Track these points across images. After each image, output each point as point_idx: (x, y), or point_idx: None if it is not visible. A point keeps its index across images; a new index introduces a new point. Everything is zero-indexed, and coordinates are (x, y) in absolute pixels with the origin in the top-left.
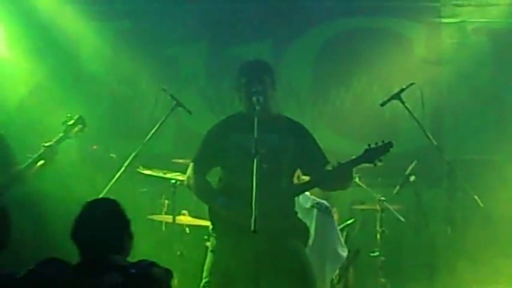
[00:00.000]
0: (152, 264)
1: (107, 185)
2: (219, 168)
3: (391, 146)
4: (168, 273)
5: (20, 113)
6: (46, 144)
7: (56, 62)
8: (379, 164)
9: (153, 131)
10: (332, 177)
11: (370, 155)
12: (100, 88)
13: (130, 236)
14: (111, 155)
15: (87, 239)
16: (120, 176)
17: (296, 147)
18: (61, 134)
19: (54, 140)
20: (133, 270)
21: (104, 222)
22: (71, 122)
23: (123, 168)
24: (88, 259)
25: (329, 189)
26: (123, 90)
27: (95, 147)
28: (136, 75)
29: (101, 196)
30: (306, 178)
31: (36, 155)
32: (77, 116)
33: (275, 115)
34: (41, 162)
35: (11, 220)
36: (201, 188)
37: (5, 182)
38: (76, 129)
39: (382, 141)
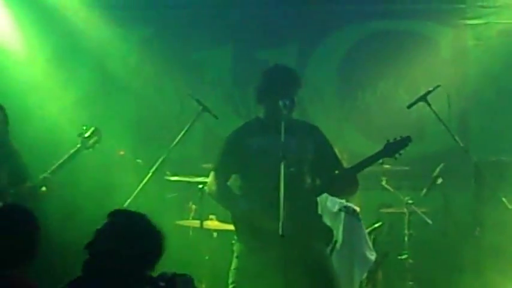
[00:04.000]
0: (175, 275)
1: (134, 190)
2: (238, 175)
3: (410, 141)
4: (190, 281)
5: (43, 120)
6: (43, 176)
7: (82, 68)
8: (397, 156)
9: (180, 136)
10: (341, 180)
11: (390, 149)
12: (126, 94)
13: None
14: (138, 160)
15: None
16: (147, 182)
17: (315, 151)
18: (77, 146)
19: (60, 161)
20: (162, 284)
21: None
22: (87, 134)
23: (150, 174)
24: (122, 273)
25: (337, 193)
26: (149, 96)
27: (121, 152)
28: (162, 80)
29: (129, 202)
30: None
31: (37, 182)
32: (93, 128)
33: (294, 119)
34: (43, 188)
35: (40, 230)
36: (223, 195)
37: (18, 199)
38: (92, 140)
39: (401, 136)
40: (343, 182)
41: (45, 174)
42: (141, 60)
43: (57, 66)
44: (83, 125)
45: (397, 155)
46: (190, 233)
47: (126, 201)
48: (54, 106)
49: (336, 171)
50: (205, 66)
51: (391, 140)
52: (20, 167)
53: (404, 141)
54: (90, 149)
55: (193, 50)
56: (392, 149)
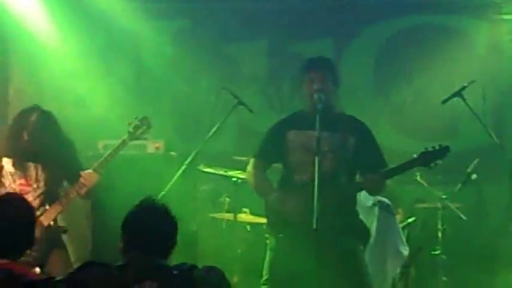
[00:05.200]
0: (193, 267)
1: (167, 183)
2: (281, 166)
3: (448, 151)
4: (213, 272)
5: (79, 114)
6: (92, 169)
7: (116, 60)
8: (433, 165)
9: (214, 129)
10: (370, 183)
11: (426, 158)
12: (160, 87)
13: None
14: (172, 153)
15: (140, 239)
16: (181, 174)
17: (356, 147)
18: (124, 138)
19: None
20: (175, 272)
21: (160, 224)
22: (136, 123)
23: (184, 167)
24: (133, 260)
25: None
26: (183, 89)
27: (156, 145)
28: (197, 73)
29: (162, 193)
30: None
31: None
32: (142, 116)
33: (337, 113)
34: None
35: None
36: (258, 182)
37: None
38: (140, 131)
39: (440, 145)
40: (372, 184)
41: (93, 168)
42: (176, 53)
43: (93, 60)
44: (135, 116)
45: (432, 165)
46: (224, 226)
47: (160, 193)
48: (90, 100)
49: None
50: (241, 59)
51: (429, 148)
52: (73, 163)
53: (442, 152)
54: (138, 140)
55: (229, 44)
56: (428, 158)
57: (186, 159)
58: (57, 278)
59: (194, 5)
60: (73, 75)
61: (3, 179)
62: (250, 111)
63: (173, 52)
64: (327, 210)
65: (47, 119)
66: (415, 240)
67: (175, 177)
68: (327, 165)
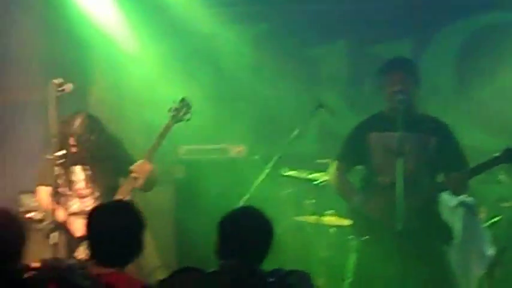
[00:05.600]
0: (289, 273)
1: (250, 187)
2: (362, 167)
3: None
4: (305, 279)
5: (161, 117)
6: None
7: (196, 66)
8: None
9: (295, 132)
10: (453, 183)
11: (510, 155)
12: (240, 91)
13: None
14: (254, 156)
15: (234, 243)
16: (264, 178)
17: (438, 148)
18: (167, 122)
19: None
20: (271, 279)
21: (256, 229)
22: (176, 107)
23: (267, 170)
24: (228, 266)
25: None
26: (264, 93)
27: (238, 149)
28: (277, 77)
29: (246, 198)
30: None
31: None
32: (180, 98)
33: (418, 114)
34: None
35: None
36: (341, 186)
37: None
38: (182, 113)
39: None
40: (456, 184)
41: (144, 158)
42: (256, 57)
43: (173, 66)
44: (173, 101)
45: None
46: (307, 229)
47: (243, 197)
48: (171, 106)
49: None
50: (320, 62)
51: None
52: (124, 159)
53: None
54: (182, 122)
55: (308, 46)
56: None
57: (268, 163)
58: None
59: (273, 8)
60: (153, 82)
61: (61, 188)
62: (332, 113)
63: (253, 56)
64: (411, 212)
65: (90, 122)
66: (500, 240)
67: (258, 181)
68: (409, 166)
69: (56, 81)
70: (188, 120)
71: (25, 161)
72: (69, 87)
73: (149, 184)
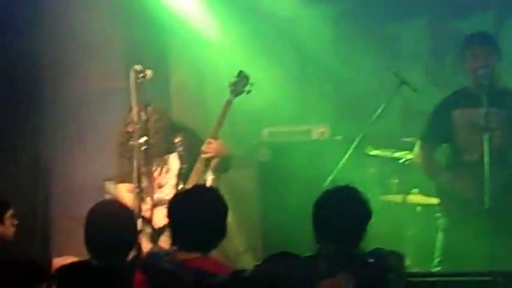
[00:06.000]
0: (389, 253)
1: (334, 168)
2: (447, 145)
3: None
4: (401, 259)
5: (244, 101)
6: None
7: (278, 48)
8: None
9: (378, 111)
10: None
11: None
12: (323, 71)
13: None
14: (337, 137)
15: (331, 226)
16: (348, 159)
17: None
18: (228, 97)
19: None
20: (371, 260)
21: (352, 211)
22: (234, 80)
23: (350, 151)
24: (325, 250)
25: None
26: (346, 71)
27: (321, 130)
28: (359, 55)
29: (330, 179)
30: None
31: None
32: (238, 71)
33: (501, 88)
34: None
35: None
36: (427, 165)
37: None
38: (240, 86)
39: None
40: None
41: (210, 137)
42: (338, 37)
43: (255, 49)
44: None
45: None
46: (394, 208)
47: (327, 178)
48: (254, 89)
49: None
50: (401, 38)
51: None
52: (194, 142)
53: None
54: (243, 94)
55: (389, 23)
56: None
57: (351, 143)
58: (245, 274)
59: None
60: (235, 66)
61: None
62: (415, 90)
63: (335, 36)
64: (499, 189)
65: (155, 111)
66: None
67: (342, 161)
68: (496, 142)
69: (137, 67)
70: (249, 92)
71: (109, 149)
72: (149, 73)
73: (223, 164)
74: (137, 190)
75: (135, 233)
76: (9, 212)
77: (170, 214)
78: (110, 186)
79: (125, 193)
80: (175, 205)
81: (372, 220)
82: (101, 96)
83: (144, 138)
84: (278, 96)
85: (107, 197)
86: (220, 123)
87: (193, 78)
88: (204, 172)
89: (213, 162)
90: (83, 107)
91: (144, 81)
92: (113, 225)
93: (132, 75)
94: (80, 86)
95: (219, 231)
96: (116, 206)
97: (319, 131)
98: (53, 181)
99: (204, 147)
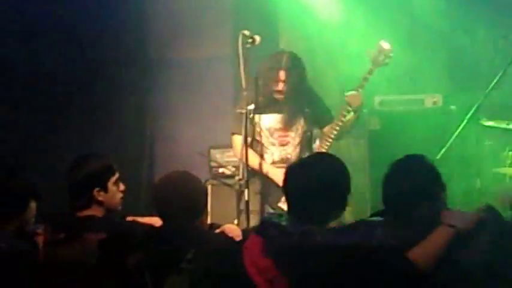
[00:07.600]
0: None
1: (448, 138)
2: None
3: None
4: (496, 214)
5: (353, 67)
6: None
7: (389, 17)
8: None
9: (494, 81)
10: None
11: None
12: (436, 41)
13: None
14: (451, 107)
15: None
16: (462, 129)
17: None
18: (369, 68)
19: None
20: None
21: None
22: (374, 52)
23: (465, 121)
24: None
25: None
26: (459, 40)
27: (434, 99)
28: (473, 23)
29: (444, 150)
30: None
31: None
32: (377, 43)
33: None
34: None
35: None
36: None
37: None
38: (381, 57)
39: None
40: None
41: (354, 89)
42: (450, 5)
43: (365, 16)
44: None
45: None
46: (508, 180)
47: (441, 150)
48: (364, 56)
49: None
50: None
51: None
52: (322, 104)
53: None
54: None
55: None
56: None
57: (465, 113)
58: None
59: None
60: (344, 30)
61: (258, 138)
62: None
63: (447, 4)
64: None
65: (298, 58)
66: None
67: (457, 132)
68: None
69: (246, 32)
70: (386, 64)
71: (216, 116)
72: (258, 39)
73: (357, 121)
74: (252, 144)
75: (203, 199)
76: (114, 177)
77: (285, 182)
78: (215, 154)
79: (238, 144)
80: (292, 172)
81: (486, 192)
82: (209, 62)
83: (252, 106)
84: (390, 65)
85: (212, 164)
86: (363, 84)
87: (301, 42)
88: (332, 138)
89: (354, 116)
90: (190, 73)
91: (252, 47)
92: (181, 191)
93: (240, 40)
94: (187, 51)
95: (339, 202)
96: (185, 175)
97: (432, 100)
98: (157, 146)
99: (349, 98)
